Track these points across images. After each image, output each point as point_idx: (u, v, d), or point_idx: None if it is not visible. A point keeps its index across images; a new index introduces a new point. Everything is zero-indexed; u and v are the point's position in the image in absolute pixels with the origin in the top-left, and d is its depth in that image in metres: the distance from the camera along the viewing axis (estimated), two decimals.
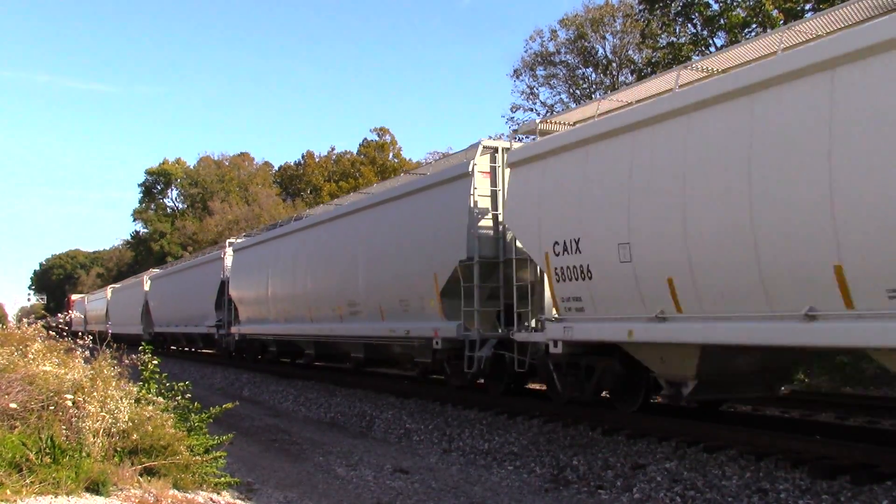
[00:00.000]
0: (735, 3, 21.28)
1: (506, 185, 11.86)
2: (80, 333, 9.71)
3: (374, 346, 15.79)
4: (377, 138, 59.22)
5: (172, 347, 36.10)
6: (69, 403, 6.42)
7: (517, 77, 36.33)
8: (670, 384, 8.89)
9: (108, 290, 48.70)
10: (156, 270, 39.50)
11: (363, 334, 15.58)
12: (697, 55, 21.33)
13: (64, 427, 6.29)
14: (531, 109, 35.87)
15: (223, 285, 24.80)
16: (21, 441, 5.90)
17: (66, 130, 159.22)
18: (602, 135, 9.32)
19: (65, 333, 9.96)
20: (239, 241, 25.53)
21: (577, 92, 34.66)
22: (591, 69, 34.94)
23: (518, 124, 33.26)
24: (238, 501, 6.84)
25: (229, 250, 25.17)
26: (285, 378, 20.16)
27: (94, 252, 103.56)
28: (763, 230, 7.11)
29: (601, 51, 34.49)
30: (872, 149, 6.27)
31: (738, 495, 7.05)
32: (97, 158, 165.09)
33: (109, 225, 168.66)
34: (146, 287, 36.59)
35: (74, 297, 67.41)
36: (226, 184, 66.62)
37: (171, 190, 72.47)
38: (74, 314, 12.98)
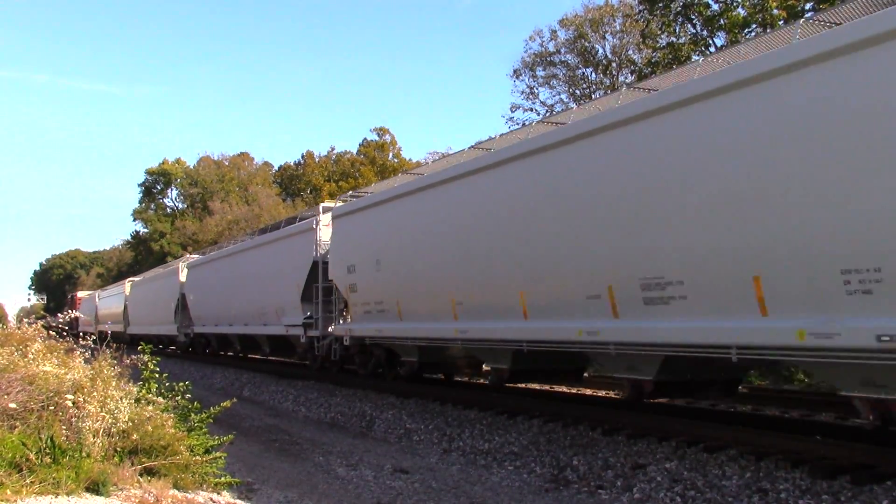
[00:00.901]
0: (735, 3, 21.30)
1: None
2: (82, 335, 9.47)
3: (699, 360, 8.36)
4: (377, 138, 59.28)
5: (222, 353, 29.00)
6: (69, 403, 6.43)
7: (517, 77, 36.34)
8: None
9: (127, 285, 40.89)
10: (194, 256, 32.14)
11: (687, 341, 7.98)
12: (697, 55, 21.33)
13: (64, 427, 6.30)
14: (531, 109, 35.91)
15: (315, 268, 17.41)
16: (21, 441, 5.90)
17: (66, 130, 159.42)
18: None
19: (65, 334, 9.89)
20: (342, 204, 17.23)
21: (577, 92, 34.68)
22: (590, 69, 34.95)
23: (517, 124, 33.34)
24: (238, 501, 6.84)
25: (325, 217, 17.51)
26: (285, 378, 20.16)
27: (94, 252, 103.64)
28: None
29: (601, 51, 34.51)
30: None
31: (738, 495, 7.06)
32: (97, 158, 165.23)
33: (109, 225, 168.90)
34: (182, 277, 29.27)
35: (81, 294, 61.86)
36: (226, 184, 66.62)
37: (171, 190, 72.53)
38: (75, 314, 12.62)
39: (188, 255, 33.22)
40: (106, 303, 46.17)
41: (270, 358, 25.37)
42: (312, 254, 17.60)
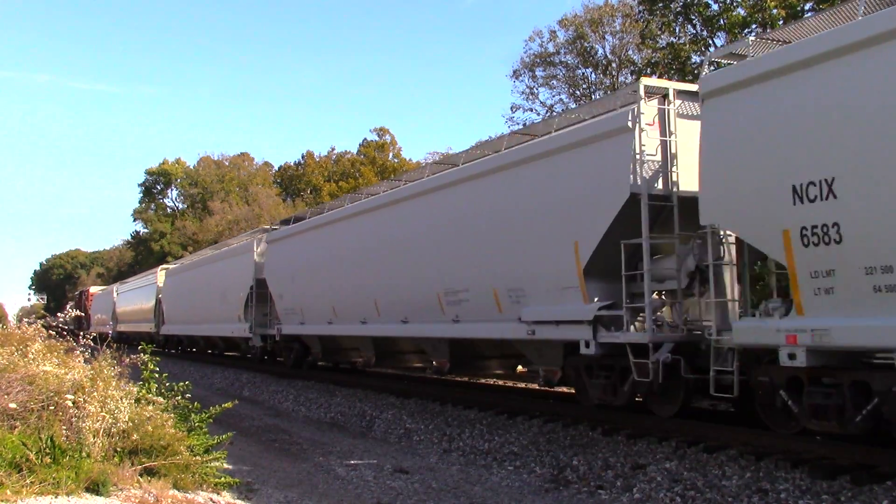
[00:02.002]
0: (735, 3, 21.30)
1: None
2: (83, 335, 9.07)
3: None
4: (377, 138, 59.33)
5: (333, 367, 19.94)
6: (69, 403, 6.43)
7: (517, 78, 36.40)
8: None
9: (159, 274, 33.11)
10: (275, 228, 22.11)
11: None
12: (697, 55, 21.35)
13: (64, 427, 6.30)
14: (531, 109, 35.96)
15: (631, 206, 8.99)
16: (21, 441, 5.90)
17: (67, 130, 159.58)
18: None
19: (65, 335, 9.75)
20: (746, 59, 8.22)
21: (577, 92, 34.69)
22: (590, 69, 34.98)
23: (519, 124, 33.34)
24: (238, 501, 6.84)
25: (648, 107, 9.25)
26: (285, 378, 20.12)
27: (94, 252, 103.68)
28: None
29: (601, 51, 34.52)
30: None
31: (738, 495, 7.06)
32: (97, 158, 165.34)
33: (109, 225, 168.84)
34: (257, 255, 21.14)
35: (94, 289, 54.83)
36: (226, 184, 66.67)
37: (171, 190, 72.69)
38: (76, 312, 12.12)
39: (264, 226, 24.14)
40: (128, 298, 39.10)
41: (446, 378, 15.56)
42: (627, 177, 8.91)
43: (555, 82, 35.91)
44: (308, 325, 18.07)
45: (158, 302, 32.25)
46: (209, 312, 25.23)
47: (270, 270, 20.07)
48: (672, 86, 9.61)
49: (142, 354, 7.78)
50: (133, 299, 38.02)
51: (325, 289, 16.65)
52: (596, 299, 9.44)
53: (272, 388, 18.70)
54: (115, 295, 42.52)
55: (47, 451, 5.84)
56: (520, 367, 15.12)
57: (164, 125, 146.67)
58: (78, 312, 12.47)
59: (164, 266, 34.57)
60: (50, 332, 9.94)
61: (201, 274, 26.95)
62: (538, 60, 35.66)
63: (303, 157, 65.59)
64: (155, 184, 72.43)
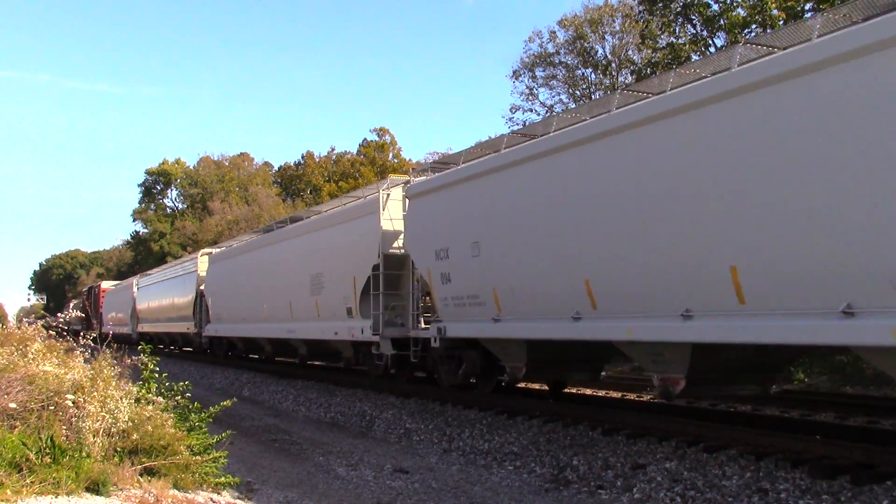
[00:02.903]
0: (735, 3, 21.29)
1: None
2: (83, 335, 8.92)
3: None
4: (377, 138, 59.32)
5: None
6: (69, 403, 6.43)
7: (516, 78, 36.29)
8: None
9: (201, 260, 26.52)
10: (415, 179, 13.32)
11: None
12: (697, 55, 21.33)
13: (64, 427, 6.30)
14: (531, 110, 35.90)
15: None
16: (21, 441, 5.90)
17: (67, 130, 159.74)
18: None
19: (66, 334, 9.71)
20: None
21: (577, 92, 34.66)
22: (590, 70, 34.94)
23: (517, 124, 33.29)
24: (238, 501, 6.84)
25: None
26: (285, 378, 20.13)
27: (94, 252, 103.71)
28: None
29: (601, 51, 34.50)
30: None
31: (738, 495, 7.06)
32: (97, 158, 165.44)
33: (109, 225, 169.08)
34: (385, 221, 13.75)
35: (107, 284, 48.37)
36: (226, 184, 66.66)
37: (171, 190, 72.66)
38: (75, 312, 12.03)
39: (393, 176, 15.80)
40: (154, 292, 32.75)
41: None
42: None
43: (555, 83, 35.84)
44: (513, 323, 10.42)
45: (200, 295, 25.85)
46: (288, 307, 17.99)
47: (417, 239, 12.69)
48: None
49: (142, 355, 7.78)
50: (162, 293, 31.00)
51: (570, 259, 9.23)
52: None
53: (272, 388, 18.70)
54: (134, 290, 36.17)
55: (47, 450, 5.84)
56: None
57: (164, 125, 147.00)
58: (79, 313, 12.36)
59: (206, 250, 27.64)
60: (50, 332, 9.92)
61: (273, 255, 19.42)
62: (538, 61, 35.60)
63: (303, 157, 65.54)
64: (155, 184, 72.43)
